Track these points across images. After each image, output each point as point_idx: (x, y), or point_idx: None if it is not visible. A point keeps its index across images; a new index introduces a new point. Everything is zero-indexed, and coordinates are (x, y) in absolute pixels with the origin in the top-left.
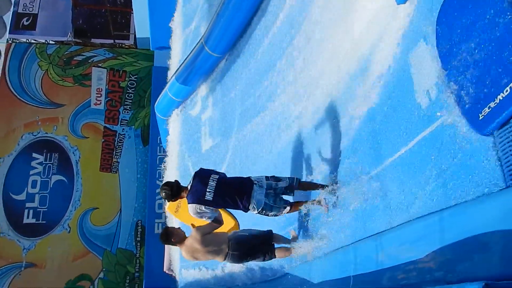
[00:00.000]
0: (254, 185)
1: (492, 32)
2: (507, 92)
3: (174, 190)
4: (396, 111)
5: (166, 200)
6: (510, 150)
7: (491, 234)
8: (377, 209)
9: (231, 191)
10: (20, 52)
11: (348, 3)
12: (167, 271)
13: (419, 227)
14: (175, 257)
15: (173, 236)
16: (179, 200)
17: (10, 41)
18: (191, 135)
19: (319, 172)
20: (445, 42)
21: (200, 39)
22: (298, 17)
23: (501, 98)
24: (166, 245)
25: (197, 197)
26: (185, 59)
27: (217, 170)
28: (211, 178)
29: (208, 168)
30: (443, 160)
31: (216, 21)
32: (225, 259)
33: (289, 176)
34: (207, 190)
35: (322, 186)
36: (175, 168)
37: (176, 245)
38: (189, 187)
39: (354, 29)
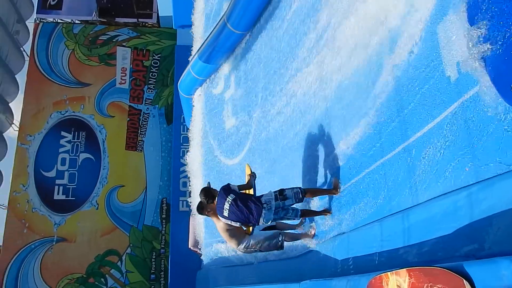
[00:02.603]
0: (263, 209)
1: None
2: None
3: (209, 198)
4: (425, 84)
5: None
6: None
7: None
8: (404, 185)
9: (243, 212)
10: (47, 31)
11: None
12: (192, 248)
13: (447, 202)
14: (200, 234)
15: (207, 209)
16: None
17: (37, 21)
18: (215, 114)
19: (343, 149)
20: (475, 12)
21: (222, 16)
22: None
23: None
24: (191, 221)
25: (219, 212)
26: (208, 37)
27: (236, 188)
28: (227, 200)
29: (229, 187)
30: (474, 133)
31: None
32: (241, 249)
33: (294, 190)
34: (224, 208)
35: (329, 191)
36: (199, 147)
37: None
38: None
39: (379, 3)
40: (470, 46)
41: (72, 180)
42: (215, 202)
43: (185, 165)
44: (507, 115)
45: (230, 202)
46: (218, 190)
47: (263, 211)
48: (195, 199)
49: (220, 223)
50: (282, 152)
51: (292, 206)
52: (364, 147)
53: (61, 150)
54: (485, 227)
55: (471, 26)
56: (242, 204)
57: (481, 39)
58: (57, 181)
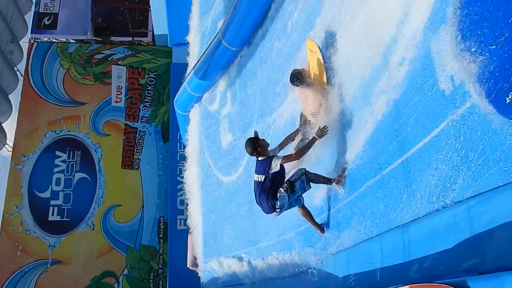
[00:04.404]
0: (274, 212)
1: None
2: None
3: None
4: (420, 97)
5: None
6: None
7: None
8: (401, 200)
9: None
10: (42, 51)
11: None
12: (190, 267)
13: (446, 216)
14: (198, 253)
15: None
16: None
17: (32, 41)
18: (211, 131)
19: (339, 164)
20: (467, 26)
21: (217, 33)
22: (314, 8)
23: None
24: (189, 240)
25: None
26: (203, 54)
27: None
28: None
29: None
30: (470, 146)
31: (233, 14)
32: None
33: (302, 180)
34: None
35: (330, 180)
36: (197, 164)
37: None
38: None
39: (375, 17)
40: (463, 59)
41: (67, 200)
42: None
43: (182, 183)
44: (503, 127)
45: (259, 183)
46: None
47: (273, 213)
48: (193, 216)
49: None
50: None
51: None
52: (362, 162)
53: (55, 170)
54: (486, 241)
55: (464, 40)
56: (262, 193)
57: (474, 53)
58: (52, 202)
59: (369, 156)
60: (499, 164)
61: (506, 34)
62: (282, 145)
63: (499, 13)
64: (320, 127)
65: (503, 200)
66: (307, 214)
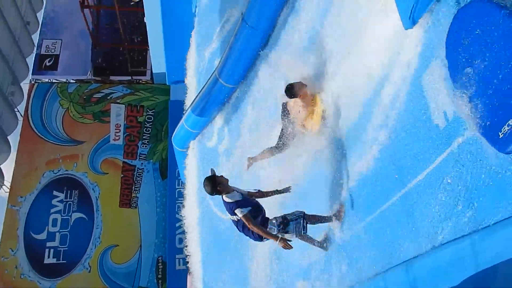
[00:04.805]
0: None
1: (500, 50)
2: None
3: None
4: (414, 133)
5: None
6: None
7: None
8: (402, 235)
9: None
10: (42, 91)
11: (358, 32)
12: None
13: (451, 251)
14: None
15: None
16: None
17: (33, 82)
18: (209, 167)
19: (336, 200)
20: (456, 63)
21: (214, 71)
22: (308, 47)
23: None
24: (188, 281)
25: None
26: (200, 91)
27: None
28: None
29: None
30: (467, 180)
31: (229, 53)
32: None
33: (297, 222)
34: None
35: (329, 218)
36: (195, 201)
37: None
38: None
39: (366, 56)
40: (454, 95)
41: (63, 241)
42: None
43: (181, 220)
44: (498, 161)
45: (235, 221)
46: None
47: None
48: (192, 256)
49: None
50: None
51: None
52: (360, 198)
53: (52, 210)
54: (491, 277)
55: (454, 76)
56: (244, 229)
57: (465, 89)
58: (48, 244)
59: (367, 192)
60: (497, 197)
61: (498, 71)
62: (256, 159)
63: (488, 51)
64: (279, 238)
65: (506, 235)
66: (308, 239)
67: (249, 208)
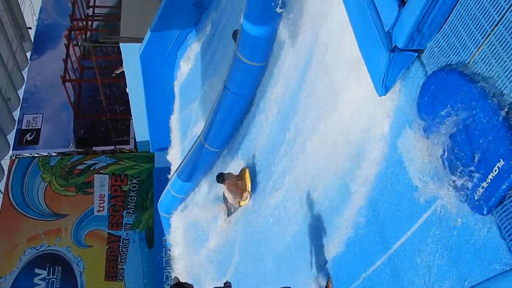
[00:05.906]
0: None
1: (470, 116)
2: (496, 172)
3: None
4: (394, 197)
5: None
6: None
7: None
8: None
9: None
10: (23, 166)
11: (332, 100)
12: None
13: None
14: None
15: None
16: None
17: (13, 157)
18: (195, 235)
19: (322, 267)
20: (429, 126)
21: (199, 136)
22: (288, 114)
23: (491, 178)
24: None
25: None
26: (186, 156)
27: None
28: None
29: None
30: (449, 242)
31: (212, 118)
32: None
33: None
34: None
35: None
36: (184, 269)
37: None
38: None
39: (342, 123)
40: (430, 158)
41: None
42: None
43: None
44: (479, 223)
45: None
46: None
47: None
48: None
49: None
50: (268, 271)
51: None
52: (346, 262)
53: None
54: None
55: (429, 139)
56: None
57: (439, 151)
58: None
59: (351, 257)
60: (478, 258)
61: (463, 138)
62: None
63: (455, 115)
64: None
65: None
66: None
67: None
